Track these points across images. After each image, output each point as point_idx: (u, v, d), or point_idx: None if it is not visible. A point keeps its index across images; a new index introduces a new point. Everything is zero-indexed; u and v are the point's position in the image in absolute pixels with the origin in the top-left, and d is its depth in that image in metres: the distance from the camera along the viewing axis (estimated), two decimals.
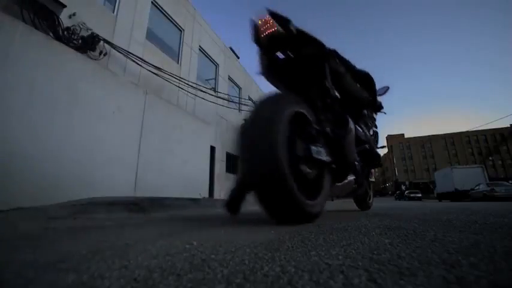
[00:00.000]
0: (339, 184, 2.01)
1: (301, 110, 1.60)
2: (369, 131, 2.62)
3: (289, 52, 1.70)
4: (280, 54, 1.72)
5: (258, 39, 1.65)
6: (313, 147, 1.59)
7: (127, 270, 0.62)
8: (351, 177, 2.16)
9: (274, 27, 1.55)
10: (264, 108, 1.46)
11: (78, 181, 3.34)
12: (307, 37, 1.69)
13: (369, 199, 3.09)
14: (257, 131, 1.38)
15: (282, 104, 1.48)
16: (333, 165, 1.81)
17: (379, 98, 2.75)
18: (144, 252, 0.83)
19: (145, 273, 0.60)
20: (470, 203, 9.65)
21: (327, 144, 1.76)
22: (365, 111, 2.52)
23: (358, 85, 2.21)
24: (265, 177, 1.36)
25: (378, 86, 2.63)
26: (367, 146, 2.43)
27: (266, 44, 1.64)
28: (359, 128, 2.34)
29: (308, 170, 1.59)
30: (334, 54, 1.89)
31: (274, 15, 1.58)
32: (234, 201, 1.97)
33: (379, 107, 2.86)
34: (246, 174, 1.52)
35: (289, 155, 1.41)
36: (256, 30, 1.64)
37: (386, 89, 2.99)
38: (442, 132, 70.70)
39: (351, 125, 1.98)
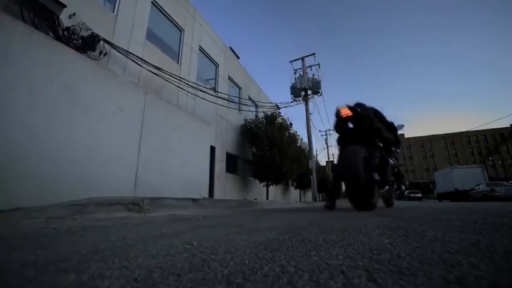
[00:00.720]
0: (381, 191, 3.49)
1: (365, 154, 3.02)
2: (395, 159, 4.18)
3: (355, 124, 3.28)
4: (350, 124, 3.31)
5: (339, 116, 3.30)
6: (374, 173, 3.14)
7: (127, 270, 0.63)
8: (386, 187, 3.65)
9: (348, 112, 3.20)
10: (351, 154, 2.91)
11: (78, 181, 3.34)
12: (365, 117, 3.21)
13: (392, 199, 4.44)
14: (350, 165, 2.84)
15: (358, 152, 2.91)
16: (379, 181, 3.29)
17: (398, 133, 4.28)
18: (144, 252, 0.83)
19: (145, 273, 0.60)
20: (470, 203, 9.64)
21: (377, 171, 3.23)
22: (393, 148, 4.01)
23: (387, 131, 3.64)
24: (355, 187, 2.83)
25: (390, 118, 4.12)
26: (395, 169, 4.23)
27: (343, 119, 3.29)
28: (391, 161, 3.85)
29: (370, 184, 3.05)
30: (375, 115, 3.48)
31: (349, 107, 3.24)
32: (330, 202, 3.73)
33: (399, 144, 4.33)
34: (346, 185, 2.99)
35: (364, 176, 2.82)
36: (338, 112, 3.28)
37: (401, 126, 4.39)
38: (442, 132, 70.67)
39: (389, 161, 3.69)
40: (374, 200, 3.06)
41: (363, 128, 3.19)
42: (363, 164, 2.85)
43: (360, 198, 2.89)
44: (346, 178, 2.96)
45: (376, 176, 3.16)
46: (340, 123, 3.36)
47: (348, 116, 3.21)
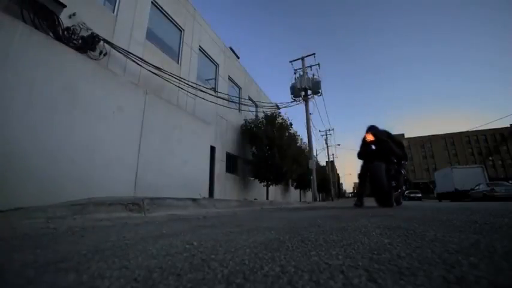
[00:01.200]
0: (395, 193, 4.69)
1: (386, 168, 4.22)
2: (404, 169, 5.26)
3: (376, 145, 4.42)
4: (372, 146, 4.48)
5: (364, 140, 4.53)
6: (392, 182, 4.46)
7: (127, 270, 0.63)
8: (399, 191, 4.93)
9: (372, 138, 4.41)
10: (377, 168, 4.20)
11: (78, 181, 3.34)
12: (383, 141, 4.38)
13: (400, 199, 5.44)
14: (376, 176, 4.18)
15: (381, 167, 4.18)
16: (395, 187, 4.57)
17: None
18: (144, 252, 0.83)
19: (145, 273, 0.60)
20: (470, 203, 9.64)
21: (394, 179, 4.52)
22: (402, 162, 4.99)
23: (397, 148, 4.77)
24: (380, 191, 4.19)
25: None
26: (405, 177, 5.49)
27: (367, 143, 4.47)
28: (402, 171, 5.05)
29: (390, 189, 4.24)
30: (388, 136, 4.64)
31: (372, 133, 4.45)
32: (360, 202, 4.65)
33: (407, 157, 5.32)
34: (374, 190, 4.30)
35: (387, 182, 4.19)
36: (364, 137, 4.54)
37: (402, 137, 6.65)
38: (442, 132, 70.64)
39: (402, 172, 4.98)
40: (392, 200, 4.27)
41: (382, 148, 4.42)
42: (385, 175, 4.17)
43: (383, 199, 4.22)
44: (374, 185, 4.23)
45: (394, 183, 4.57)
46: (364, 144, 4.69)
47: (372, 140, 4.49)
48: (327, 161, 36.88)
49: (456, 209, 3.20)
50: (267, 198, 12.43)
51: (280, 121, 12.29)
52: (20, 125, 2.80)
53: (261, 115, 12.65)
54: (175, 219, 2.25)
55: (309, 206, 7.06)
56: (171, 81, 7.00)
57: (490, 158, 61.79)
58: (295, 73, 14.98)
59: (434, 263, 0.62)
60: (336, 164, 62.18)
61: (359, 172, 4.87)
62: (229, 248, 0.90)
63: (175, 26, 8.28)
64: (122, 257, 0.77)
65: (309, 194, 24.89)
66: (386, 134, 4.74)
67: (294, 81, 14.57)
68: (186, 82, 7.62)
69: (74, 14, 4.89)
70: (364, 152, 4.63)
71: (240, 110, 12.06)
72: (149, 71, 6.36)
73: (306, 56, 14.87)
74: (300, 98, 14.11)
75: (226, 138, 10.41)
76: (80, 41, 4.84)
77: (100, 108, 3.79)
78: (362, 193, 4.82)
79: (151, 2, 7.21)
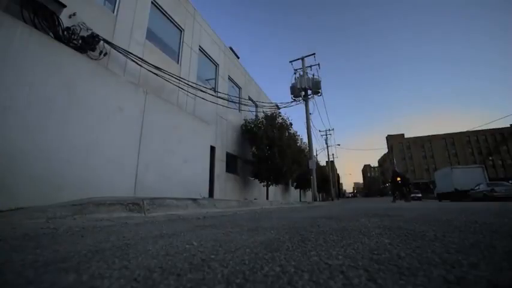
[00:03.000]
0: (409, 196, 12.96)
1: (405, 187, 13.17)
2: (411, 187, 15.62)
3: (400, 180, 12.81)
4: (399, 180, 12.80)
5: (394, 178, 12.83)
6: (409, 193, 13.60)
7: (127, 270, 0.63)
8: (410, 195, 14.81)
9: (400, 179, 12.56)
10: (403, 188, 12.71)
11: (78, 181, 3.34)
12: (403, 180, 12.59)
13: (410, 199, 12.02)
14: (403, 190, 12.75)
15: (404, 188, 12.72)
16: (409, 194, 13.27)
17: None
18: (144, 252, 0.83)
19: (145, 273, 0.60)
20: (470, 203, 9.64)
21: (409, 192, 13.54)
22: (409, 184, 12.98)
23: (405, 179, 13.15)
24: (405, 195, 12.37)
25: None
26: (411, 190, 17.76)
27: (395, 179, 12.78)
28: (411, 187, 18.17)
29: (408, 194, 12.76)
30: (403, 175, 13.18)
31: (400, 177, 12.79)
32: (394, 200, 12.04)
33: (411, 183, 13.88)
34: (401, 195, 12.82)
35: (407, 193, 13.08)
36: (394, 178, 12.90)
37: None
38: (442, 132, 70.64)
39: (411, 187, 15.78)
40: (410, 200, 11.80)
41: (404, 182, 12.02)
42: (406, 191, 11.97)
43: (406, 199, 11.48)
44: (402, 194, 11.89)
45: (409, 193, 11.80)
46: (394, 178, 12.35)
47: (399, 179, 12.05)
48: (327, 161, 36.86)
49: (456, 209, 3.20)
50: (267, 198, 12.42)
51: (280, 121, 12.29)
52: (19, 125, 2.80)
53: (261, 115, 12.64)
54: (175, 219, 2.25)
55: (310, 206, 7.06)
56: (171, 81, 7.00)
57: (490, 158, 61.78)
58: (295, 73, 14.98)
59: (434, 263, 0.62)
60: (336, 164, 62.17)
61: (392, 188, 12.09)
62: (229, 248, 0.90)
63: (175, 26, 8.28)
64: (121, 257, 0.77)
65: (309, 194, 24.89)
66: (402, 174, 11.89)
67: (294, 81, 14.56)
68: (186, 82, 7.62)
69: (74, 14, 4.88)
70: (394, 182, 11.62)
71: (240, 110, 12.06)
72: (149, 71, 6.36)
73: (306, 56, 14.87)
74: (300, 98, 14.11)
75: (226, 138, 10.41)
76: (80, 41, 4.83)
77: (100, 108, 3.79)
78: (395, 196, 11.50)
79: (151, 2, 7.21)
